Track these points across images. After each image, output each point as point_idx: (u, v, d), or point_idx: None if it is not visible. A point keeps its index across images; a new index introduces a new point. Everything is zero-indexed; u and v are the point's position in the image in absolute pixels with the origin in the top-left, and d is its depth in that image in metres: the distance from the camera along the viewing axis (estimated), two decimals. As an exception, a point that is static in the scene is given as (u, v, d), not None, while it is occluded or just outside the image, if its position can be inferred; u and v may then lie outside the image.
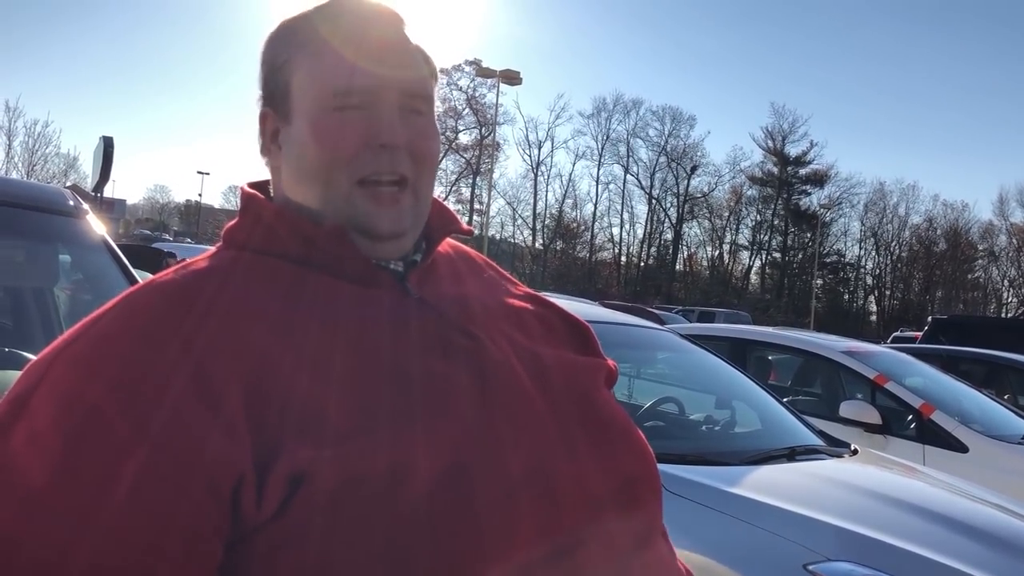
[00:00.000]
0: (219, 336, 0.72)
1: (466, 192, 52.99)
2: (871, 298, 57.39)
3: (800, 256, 56.54)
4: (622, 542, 0.82)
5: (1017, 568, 2.18)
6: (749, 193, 55.83)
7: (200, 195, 69.68)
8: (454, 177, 51.80)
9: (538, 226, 56.01)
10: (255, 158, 0.91)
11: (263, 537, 0.69)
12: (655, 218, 56.60)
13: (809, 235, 54.69)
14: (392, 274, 0.86)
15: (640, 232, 57.06)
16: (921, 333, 13.37)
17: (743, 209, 56.19)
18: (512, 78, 27.92)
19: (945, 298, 53.96)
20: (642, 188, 55.87)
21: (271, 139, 0.88)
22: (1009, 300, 54.33)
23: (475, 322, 0.86)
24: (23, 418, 0.69)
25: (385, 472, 0.70)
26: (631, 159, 55.32)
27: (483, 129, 51.17)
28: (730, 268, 57.77)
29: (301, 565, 0.68)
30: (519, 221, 56.52)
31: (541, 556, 0.74)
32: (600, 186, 55.89)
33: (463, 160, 52.48)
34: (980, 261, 55.83)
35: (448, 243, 0.99)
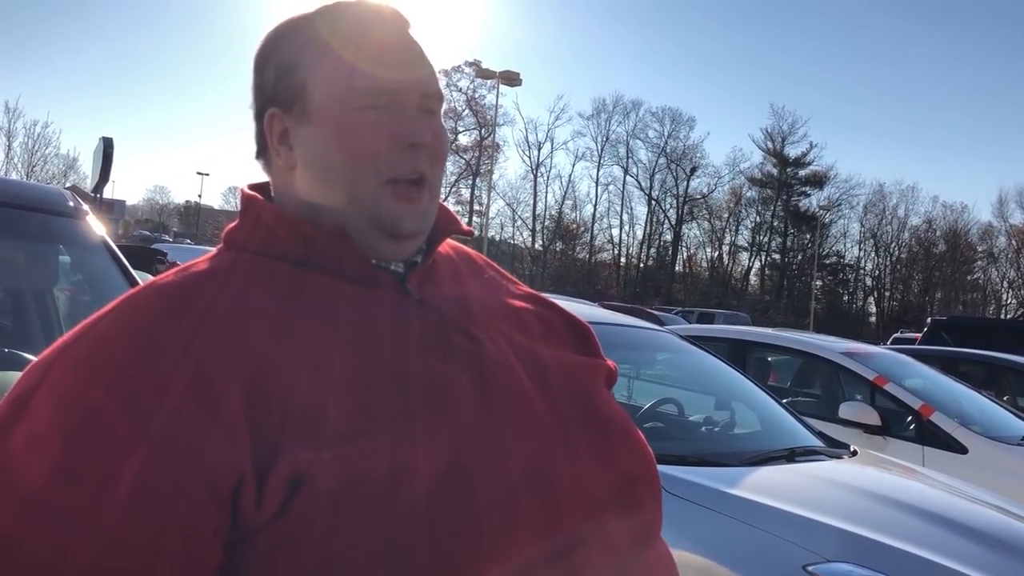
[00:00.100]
0: (219, 337, 0.73)
1: (466, 193, 53.09)
2: (870, 299, 57.41)
3: (799, 257, 56.56)
4: (622, 542, 0.82)
5: (1016, 569, 2.18)
6: (748, 194, 55.94)
7: (200, 196, 69.74)
8: (454, 178, 51.83)
9: (538, 227, 56.07)
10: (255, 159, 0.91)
11: (263, 538, 0.69)
12: (654, 219, 56.67)
13: (808, 236, 54.71)
14: (392, 275, 0.87)
15: (639, 233, 57.18)
16: (920, 334, 13.37)
17: (742, 210, 56.28)
18: (512, 79, 27.94)
19: (944, 299, 53.98)
20: (641, 189, 55.95)
21: (279, 140, 0.87)
22: (1008, 301, 54.39)
23: (475, 323, 0.86)
24: (23, 419, 0.69)
25: (385, 473, 0.70)
26: (631, 160, 55.41)
27: (483, 130, 51.19)
28: (729, 269, 57.77)
29: (301, 565, 0.68)
30: (519, 222, 56.60)
31: (541, 556, 0.74)
32: (600, 187, 55.97)
33: (463, 161, 52.47)
34: (979, 262, 55.88)
35: (449, 244, 0.99)
